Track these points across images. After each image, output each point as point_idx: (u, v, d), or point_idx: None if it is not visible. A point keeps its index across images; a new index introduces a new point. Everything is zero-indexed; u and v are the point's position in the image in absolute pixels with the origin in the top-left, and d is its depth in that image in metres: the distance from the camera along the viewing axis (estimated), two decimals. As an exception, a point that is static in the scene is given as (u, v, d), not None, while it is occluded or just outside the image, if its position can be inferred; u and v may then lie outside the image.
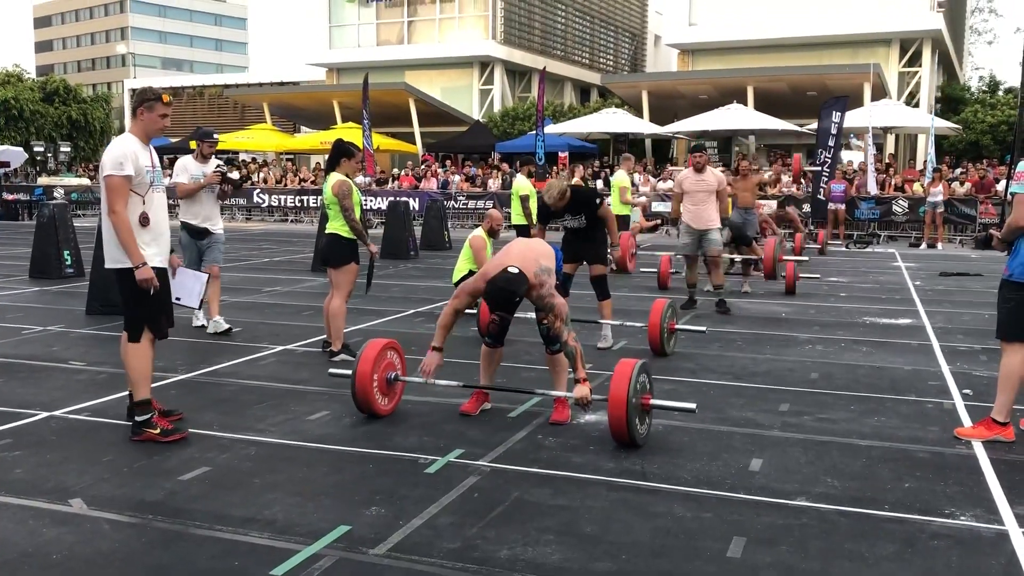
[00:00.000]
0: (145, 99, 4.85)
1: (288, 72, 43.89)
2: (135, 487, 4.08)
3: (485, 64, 34.04)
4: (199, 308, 6.43)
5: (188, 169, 7.74)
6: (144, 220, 4.79)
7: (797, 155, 16.40)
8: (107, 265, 4.87)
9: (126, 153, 4.72)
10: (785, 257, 9.19)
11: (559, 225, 7.45)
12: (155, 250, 4.86)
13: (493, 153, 28.03)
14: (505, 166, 25.45)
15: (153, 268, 4.80)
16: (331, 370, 5.72)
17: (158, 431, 4.74)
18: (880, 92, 25.33)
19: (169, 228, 5.05)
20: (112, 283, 4.94)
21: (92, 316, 8.71)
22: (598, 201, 7.24)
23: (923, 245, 18.62)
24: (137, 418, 4.80)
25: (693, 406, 4.89)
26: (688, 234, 9.48)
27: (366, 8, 35.47)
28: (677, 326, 7.37)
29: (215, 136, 8.08)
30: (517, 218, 11.92)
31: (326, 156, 7.52)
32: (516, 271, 4.96)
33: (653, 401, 4.87)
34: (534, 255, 5.19)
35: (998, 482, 4.23)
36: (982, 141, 27.36)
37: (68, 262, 11.77)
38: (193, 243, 7.80)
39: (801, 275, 9.31)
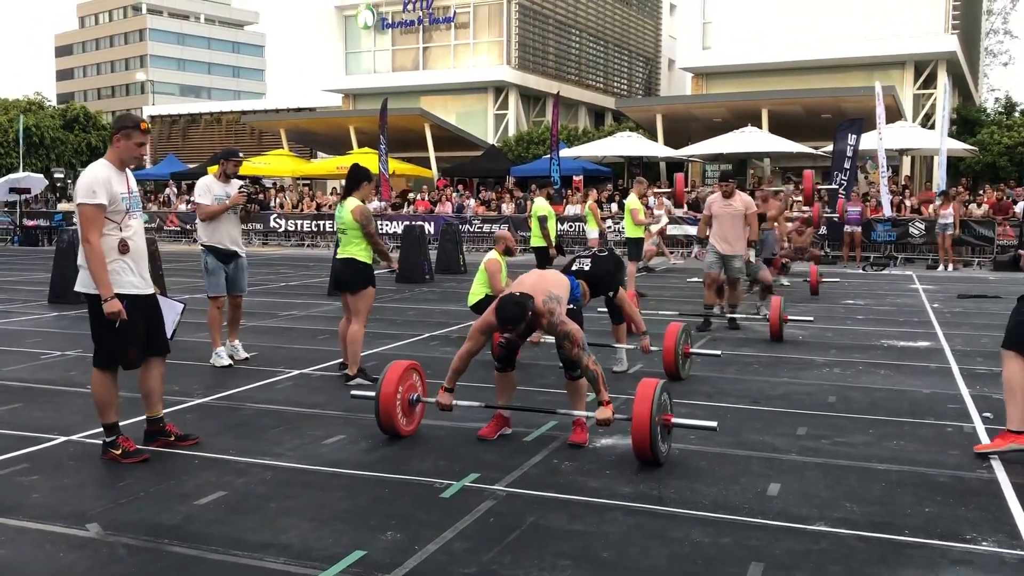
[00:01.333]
0: (123, 126, 4.81)
1: (305, 98, 44.31)
2: (151, 511, 4.09)
3: (500, 89, 34.25)
4: (171, 337, 6.25)
5: (212, 190, 7.43)
6: (123, 247, 4.74)
7: (808, 172, 16.32)
8: (76, 287, 4.84)
9: (98, 180, 4.66)
10: (791, 317, 9.26)
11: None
12: (135, 278, 4.81)
13: (508, 177, 28.12)
14: (518, 191, 25.54)
15: (140, 295, 4.81)
16: (353, 391, 5.75)
17: (119, 452, 4.82)
18: (895, 114, 25.29)
19: (147, 254, 5.02)
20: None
21: (110, 341, 8.74)
22: (612, 294, 7.08)
23: (941, 267, 18.53)
24: (105, 439, 4.89)
25: (714, 424, 4.99)
26: (713, 254, 9.75)
27: (382, 35, 35.82)
28: (692, 350, 7.35)
29: (240, 155, 7.79)
30: (536, 240, 11.83)
31: (342, 181, 7.50)
32: (519, 293, 5.00)
33: (675, 420, 4.91)
34: (544, 285, 5.21)
35: (1020, 506, 4.17)
36: (999, 163, 27.24)
37: (87, 287, 11.85)
38: (221, 267, 7.50)
39: (789, 318, 9.32)
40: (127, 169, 4.91)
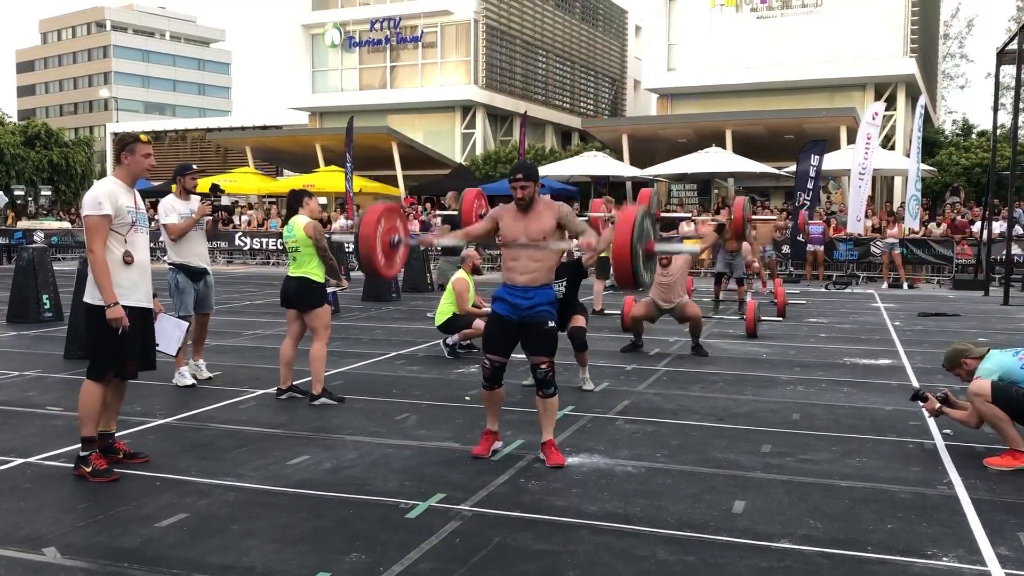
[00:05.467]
0: (125, 143, 4.96)
1: (271, 116, 44.05)
2: (111, 534, 4.02)
3: (467, 108, 34.36)
4: (175, 355, 6.29)
5: (176, 209, 7.33)
6: (128, 258, 4.85)
7: (740, 199, 16.78)
8: (84, 298, 4.95)
9: (104, 192, 4.82)
10: (764, 318, 9.32)
11: None
12: (137, 291, 4.93)
13: (475, 196, 28.13)
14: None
15: (140, 308, 4.90)
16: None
17: (89, 469, 4.80)
18: (856, 135, 25.69)
19: (150, 270, 5.09)
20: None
21: (70, 361, 8.61)
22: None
23: (885, 284, 19.00)
24: (79, 453, 4.88)
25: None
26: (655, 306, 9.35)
27: (349, 53, 35.81)
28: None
29: (194, 168, 7.70)
30: None
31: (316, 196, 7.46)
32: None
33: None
34: None
35: (979, 522, 4.23)
36: (957, 183, 27.76)
37: (47, 306, 11.67)
38: (191, 285, 7.38)
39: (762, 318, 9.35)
40: (135, 188, 5.02)
